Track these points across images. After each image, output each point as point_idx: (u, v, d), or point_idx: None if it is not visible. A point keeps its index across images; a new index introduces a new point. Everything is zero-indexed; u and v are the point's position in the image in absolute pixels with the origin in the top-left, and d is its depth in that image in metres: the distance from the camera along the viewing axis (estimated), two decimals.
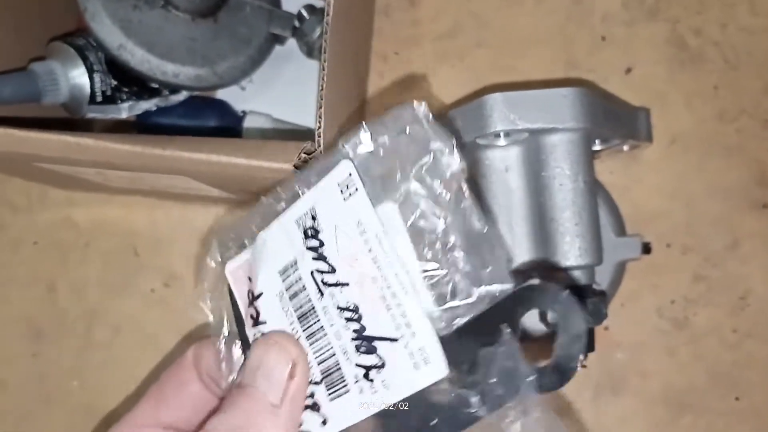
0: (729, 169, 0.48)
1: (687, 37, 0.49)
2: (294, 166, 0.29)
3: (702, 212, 0.47)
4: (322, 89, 0.30)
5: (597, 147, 0.40)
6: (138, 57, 0.40)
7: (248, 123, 0.45)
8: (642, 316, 0.47)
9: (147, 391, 0.31)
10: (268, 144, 0.31)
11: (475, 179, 0.39)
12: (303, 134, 0.44)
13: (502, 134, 0.35)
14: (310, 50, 0.45)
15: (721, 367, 0.46)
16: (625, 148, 0.41)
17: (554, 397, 0.46)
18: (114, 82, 0.40)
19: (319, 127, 0.30)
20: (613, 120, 0.38)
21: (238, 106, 0.47)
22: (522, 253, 0.37)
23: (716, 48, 0.48)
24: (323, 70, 0.31)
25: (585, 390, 0.46)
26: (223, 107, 0.46)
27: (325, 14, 0.31)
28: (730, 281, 0.47)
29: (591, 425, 0.46)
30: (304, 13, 0.45)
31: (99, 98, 0.40)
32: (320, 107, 0.30)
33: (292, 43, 0.47)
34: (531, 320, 0.26)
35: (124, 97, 0.41)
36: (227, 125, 0.45)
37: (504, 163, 0.37)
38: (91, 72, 0.39)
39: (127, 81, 0.41)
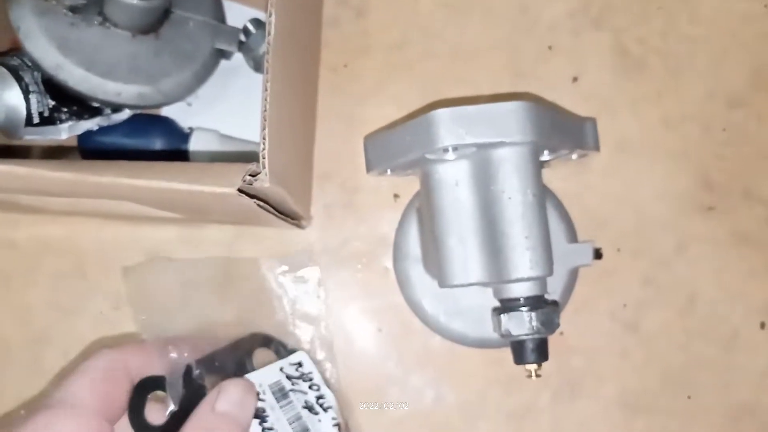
0: (674, 173, 0.49)
1: (630, 45, 0.50)
2: (238, 189, 0.28)
3: (650, 216, 0.48)
4: (265, 110, 0.30)
5: (546, 157, 0.41)
6: (77, 76, 0.38)
7: (195, 140, 0.44)
8: (596, 321, 0.48)
9: (75, 377, 0.33)
10: (211, 167, 0.30)
11: (426, 193, 0.39)
12: (251, 154, 0.43)
13: (450, 149, 0.35)
14: (258, 65, 0.45)
15: (673, 368, 0.47)
16: (574, 156, 0.42)
17: (513, 403, 0.46)
18: (52, 103, 0.39)
19: (264, 149, 0.30)
20: (560, 131, 0.38)
21: (185, 122, 0.46)
22: (474, 265, 0.37)
23: (659, 56, 0.50)
24: (266, 90, 0.30)
25: (542, 396, 0.47)
26: (168, 124, 0.45)
27: (267, 33, 0.30)
28: (679, 283, 0.48)
29: (549, 431, 0.47)
30: (250, 27, 0.45)
31: (36, 120, 0.39)
32: (264, 128, 0.30)
33: (239, 57, 0.46)
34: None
35: (64, 118, 0.40)
36: (173, 143, 0.44)
37: (453, 177, 0.38)
38: (26, 93, 0.38)
39: (66, 101, 0.40)
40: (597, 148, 0.42)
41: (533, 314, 0.37)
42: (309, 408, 0.40)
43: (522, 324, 0.37)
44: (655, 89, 0.49)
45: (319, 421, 0.40)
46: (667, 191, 0.48)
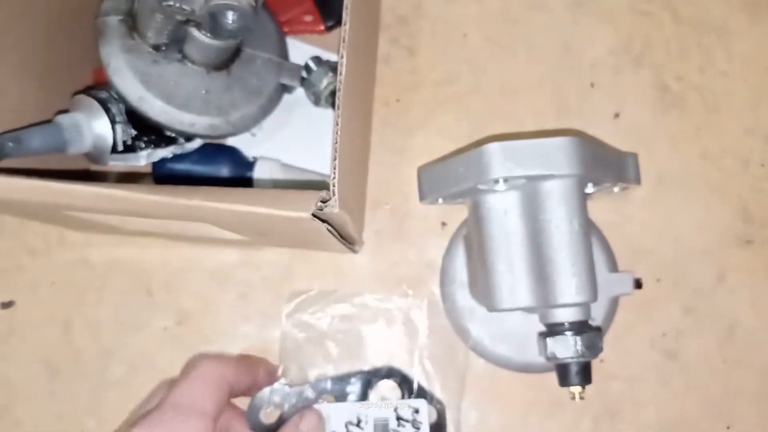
0: (713, 206, 0.50)
1: (670, 82, 0.52)
2: (312, 214, 0.31)
3: (689, 247, 0.50)
4: (336, 143, 0.33)
5: (589, 190, 0.43)
6: (157, 108, 0.42)
7: (259, 168, 0.47)
8: (636, 349, 0.49)
9: (191, 382, 0.39)
10: (286, 194, 0.33)
11: (476, 222, 0.42)
12: (314, 184, 0.46)
13: (501, 180, 0.38)
14: (317, 99, 0.48)
15: (712, 397, 0.48)
16: (616, 189, 0.44)
17: (554, 427, 0.48)
18: (134, 132, 0.43)
19: (334, 178, 0.32)
20: (603, 165, 0.40)
21: (249, 152, 0.49)
22: (522, 290, 0.39)
23: (697, 92, 0.52)
24: (337, 125, 0.33)
25: (583, 420, 0.48)
26: (234, 153, 0.48)
27: (338, 73, 0.33)
28: (718, 313, 0.49)
29: None
30: (311, 65, 0.48)
31: (120, 148, 0.42)
32: (335, 159, 0.33)
33: (299, 91, 0.49)
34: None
35: (143, 146, 0.43)
36: (239, 170, 0.47)
37: (503, 207, 0.40)
38: (113, 123, 0.42)
39: (146, 130, 0.43)
40: (638, 181, 0.44)
41: (578, 338, 0.38)
42: None
43: (567, 347, 0.38)
44: (694, 125, 0.51)
45: None
46: (707, 223, 0.50)
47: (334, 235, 0.35)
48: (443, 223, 0.51)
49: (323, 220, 0.33)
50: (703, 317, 0.49)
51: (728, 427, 0.48)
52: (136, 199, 0.32)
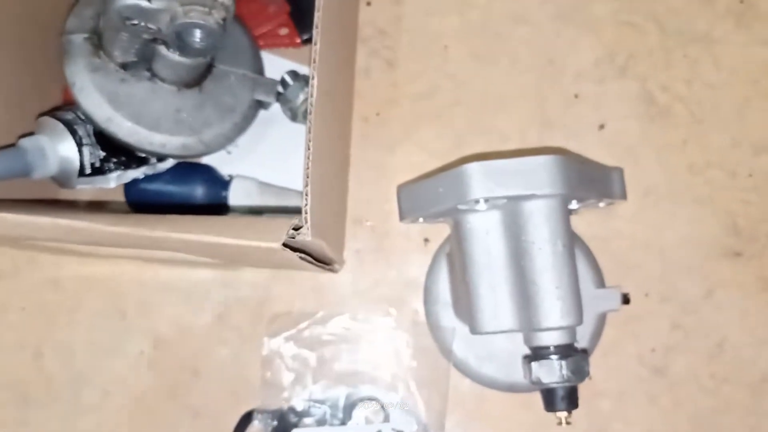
0: (700, 219, 0.49)
1: (655, 93, 0.51)
2: (283, 244, 0.30)
3: (677, 262, 0.49)
4: (308, 168, 0.31)
5: (574, 206, 0.42)
6: (126, 129, 0.40)
7: (235, 187, 0.46)
8: (624, 365, 0.48)
9: None
10: (256, 222, 0.32)
11: (457, 242, 0.40)
12: (289, 206, 0.45)
13: (481, 200, 0.37)
14: (294, 115, 0.47)
15: (701, 413, 0.47)
16: (601, 205, 0.43)
17: None
18: (102, 154, 0.41)
19: (306, 204, 0.31)
20: (587, 182, 0.39)
21: (224, 170, 0.47)
22: (505, 313, 0.38)
23: (683, 103, 0.51)
24: (308, 149, 0.32)
25: None
26: (209, 172, 0.47)
27: (309, 95, 0.32)
28: (707, 328, 0.48)
29: None
30: (288, 79, 0.47)
31: (88, 170, 0.41)
32: (306, 185, 0.31)
33: (275, 106, 0.48)
34: None
35: (113, 167, 0.42)
36: (214, 190, 0.46)
37: (484, 227, 0.39)
38: (80, 145, 0.40)
39: (116, 151, 0.42)
40: (624, 197, 0.43)
41: (563, 362, 0.37)
42: None
43: (552, 372, 0.37)
44: (680, 136, 0.50)
45: None
46: (694, 237, 0.49)
47: (308, 261, 0.34)
48: (426, 240, 0.49)
49: (295, 249, 0.31)
50: (692, 332, 0.48)
51: None
52: (98, 231, 0.31)
